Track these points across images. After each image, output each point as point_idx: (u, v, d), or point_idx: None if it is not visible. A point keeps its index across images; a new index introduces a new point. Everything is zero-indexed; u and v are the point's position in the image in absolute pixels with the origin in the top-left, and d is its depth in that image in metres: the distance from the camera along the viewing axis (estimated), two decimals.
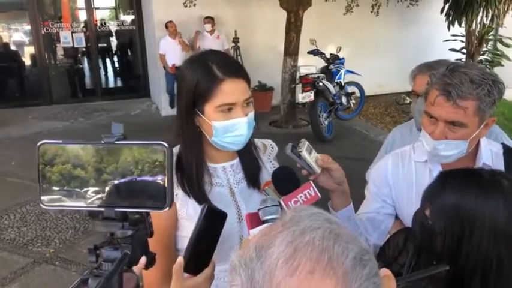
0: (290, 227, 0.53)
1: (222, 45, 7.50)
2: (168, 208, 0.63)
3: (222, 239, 1.01)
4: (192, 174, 1.23)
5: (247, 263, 0.51)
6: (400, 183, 1.44)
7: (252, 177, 1.31)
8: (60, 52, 9.36)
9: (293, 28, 6.88)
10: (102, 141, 0.64)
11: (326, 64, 7.28)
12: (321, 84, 6.57)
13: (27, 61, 9.17)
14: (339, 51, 7.43)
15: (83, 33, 8.94)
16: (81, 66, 9.74)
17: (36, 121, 7.69)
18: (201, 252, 0.98)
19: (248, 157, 1.32)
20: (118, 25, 9.99)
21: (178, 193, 1.22)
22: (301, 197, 1.07)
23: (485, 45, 8.36)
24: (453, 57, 7.17)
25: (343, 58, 7.45)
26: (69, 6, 9.45)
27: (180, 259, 0.95)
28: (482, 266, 0.94)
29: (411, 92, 1.88)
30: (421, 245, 1.04)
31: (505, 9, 7.62)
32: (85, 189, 0.65)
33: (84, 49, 9.35)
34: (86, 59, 9.70)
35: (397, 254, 1.19)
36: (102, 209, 0.64)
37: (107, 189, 0.64)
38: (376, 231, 1.44)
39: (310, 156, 1.15)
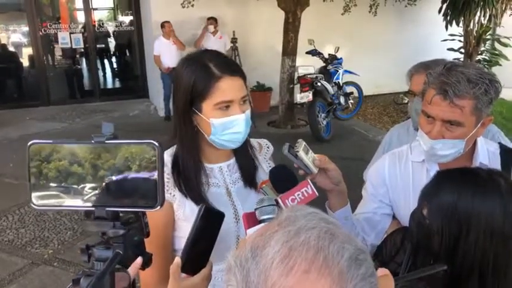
0: (286, 227, 0.53)
1: (224, 46, 7.48)
2: (159, 207, 0.63)
3: (219, 238, 1.00)
4: (189, 175, 1.23)
5: (242, 263, 0.51)
6: (397, 183, 1.44)
7: (248, 176, 1.31)
8: (58, 53, 9.35)
9: (291, 28, 6.89)
10: (93, 141, 0.64)
11: (324, 64, 7.30)
12: (319, 84, 6.58)
13: (25, 62, 9.16)
14: (337, 51, 7.44)
15: (81, 34, 8.93)
16: (79, 67, 9.74)
17: (34, 122, 7.68)
18: (199, 253, 0.97)
19: (244, 157, 1.32)
20: (116, 26, 9.99)
21: (176, 194, 1.23)
22: (298, 195, 1.08)
23: (483, 44, 8.37)
24: (451, 56, 7.18)
25: (341, 58, 7.46)
26: (67, 7, 9.45)
27: (178, 259, 0.95)
28: (479, 265, 0.94)
29: (408, 91, 1.88)
30: (418, 244, 1.04)
31: (503, 8, 7.64)
32: (82, 186, 0.65)
33: (82, 50, 9.34)
34: (84, 60, 9.69)
35: (394, 253, 1.19)
36: (93, 209, 0.64)
37: (102, 186, 0.64)
38: (374, 231, 1.44)
39: (307, 156, 1.15)
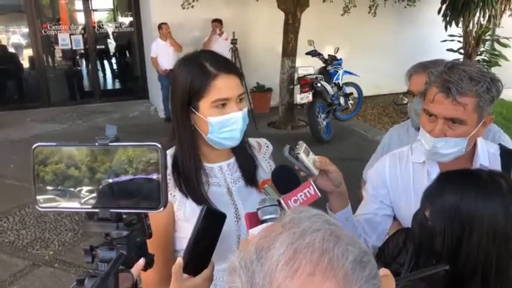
0: (290, 229, 0.53)
1: (229, 46, 7.45)
2: (162, 208, 0.64)
3: (220, 238, 1.01)
4: (190, 175, 1.24)
5: (247, 265, 0.51)
6: (398, 184, 1.44)
7: (249, 175, 1.32)
8: (58, 54, 9.35)
9: (291, 29, 6.89)
10: (96, 143, 0.65)
11: (324, 65, 7.30)
12: (319, 85, 6.58)
13: (25, 63, 9.16)
14: (337, 52, 7.44)
15: (81, 36, 8.93)
16: (79, 68, 9.74)
17: (34, 123, 7.68)
18: (200, 253, 0.98)
19: (244, 156, 1.33)
20: (116, 27, 10.00)
21: (176, 194, 1.23)
22: (301, 195, 1.08)
23: (482, 45, 8.37)
24: (451, 57, 7.17)
25: (341, 59, 7.47)
26: (67, 9, 9.45)
27: (180, 260, 0.96)
28: (482, 266, 0.94)
29: (407, 91, 1.89)
30: (420, 245, 1.04)
31: (502, 9, 7.64)
32: (79, 189, 0.65)
33: (82, 51, 9.34)
34: (84, 61, 9.70)
35: (396, 254, 1.20)
36: (97, 210, 0.65)
37: (100, 187, 0.65)
38: (375, 232, 1.44)
39: (308, 158, 1.16)
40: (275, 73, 7.38)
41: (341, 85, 7.34)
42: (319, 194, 1.09)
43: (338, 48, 7.47)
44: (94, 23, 9.42)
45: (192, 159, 1.25)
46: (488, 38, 8.67)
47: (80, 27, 9.10)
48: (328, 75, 7.11)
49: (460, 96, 1.19)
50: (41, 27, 8.54)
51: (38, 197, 0.65)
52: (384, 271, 0.56)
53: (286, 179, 1.12)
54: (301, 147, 1.15)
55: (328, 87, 6.77)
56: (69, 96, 9.32)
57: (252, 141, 1.40)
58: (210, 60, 1.20)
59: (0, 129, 7.17)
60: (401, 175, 1.44)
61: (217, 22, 7.52)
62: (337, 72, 7.33)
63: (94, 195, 0.64)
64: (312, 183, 1.11)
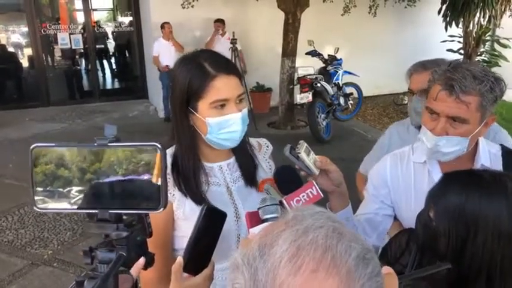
0: (293, 226, 0.53)
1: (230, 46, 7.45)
2: (162, 209, 0.63)
3: (220, 238, 1.00)
4: (189, 174, 1.23)
5: (250, 262, 0.51)
6: (399, 184, 1.43)
7: (248, 175, 1.31)
8: (58, 54, 9.35)
9: (291, 29, 6.89)
10: (95, 144, 0.64)
11: (324, 65, 7.30)
12: (319, 85, 6.58)
13: (24, 63, 9.16)
14: (337, 52, 7.44)
15: (80, 35, 8.93)
16: (79, 67, 9.73)
17: (34, 123, 7.68)
18: (201, 252, 0.97)
19: (244, 156, 1.33)
20: (116, 26, 9.99)
21: (175, 193, 1.23)
22: (303, 196, 1.07)
23: (482, 46, 8.38)
24: (450, 57, 7.15)
25: (341, 59, 7.47)
26: (67, 8, 9.44)
27: (180, 259, 0.95)
28: (487, 267, 0.94)
29: (407, 90, 1.89)
30: (424, 245, 1.04)
31: (502, 10, 7.65)
32: (76, 189, 0.65)
33: (82, 51, 9.34)
34: (83, 60, 9.70)
35: (399, 255, 1.19)
36: (96, 211, 0.64)
37: (98, 188, 0.64)
38: (375, 232, 1.44)
39: (309, 157, 1.15)
40: (275, 73, 7.38)
41: (341, 85, 7.34)
42: (322, 195, 1.09)
43: (338, 49, 7.47)
44: (94, 22, 9.41)
45: (191, 159, 1.24)
46: (488, 38, 8.69)
47: (80, 27, 9.10)
48: (328, 76, 7.11)
49: (463, 95, 1.19)
50: (41, 26, 8.54)
51: (36, 198, 0.65)
52: (387, 269, 0.56)
53: (289, 179, 1.12)
54: (302, 147, 1.14)
55: (328, 87, 6.77)
56: (68, 96, 9.32)
57: (252, 141, 1.40)
58: (209, 60, 1.19)
59: (0, 128, 7.16)
60: (402, 175, 1.43)
61: (220, 22, 7.52)
62: (337, 72, 7.33)
63: (92, 196, 0.64)
64: (315, 183, 1.10)
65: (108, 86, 10.71)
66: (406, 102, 7.45)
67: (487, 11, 7.37)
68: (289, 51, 7.00)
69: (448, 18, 7.71)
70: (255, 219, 0.99)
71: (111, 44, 10.49)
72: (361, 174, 2.18)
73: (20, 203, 4.52)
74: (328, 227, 0.52)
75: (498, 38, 8.81)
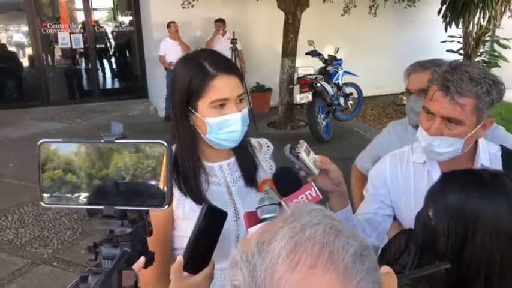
0: (291, 223, 0.53)
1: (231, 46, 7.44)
2: (167, 206, 0.64)
3: (219, 237, 1.01)
4: (189, 174, 1.23)
5: (248, 259, 0.51)
6: (399, 184, 1.44)
7: (249, 175, 1.31)
8: (58, 53, 9.35)
9: (291, 29, 6.89)
10: (102, 140, 0.64)
11: (324, 65, 7.30)
12: (318, 85, 6.58)
13: (25, 62, 9.15)
14: (337, 52, 7.45)
15: (81, 34, 8.93)
16: (79, 67, 9.73)
17: (34, 122, 7.68)
18: (201, 252, 0.98)
19: (244, 156, 1.33)
20: (116, 26, 10.00)
21: (175, 193, 1.23)
22: (302, 197, 1.07)
23: (482, 46, 8.38)
24: (450, 58, 7.15)
25: (340, 59, 7.47)
26: (67, 7, 9.45)
27: (180, 258, 0.96)
28: (486, 266, 0.94)
29: (405, 90, 1.90)
30: (423, 245, 1.04)
31: (502, 10, 7.65)
32: (84, 195, 0.65)
33: (82, 50, 9.34)
34: (83, 60, 9.69)
35: (398, 255, 1.19)
36: (101, 207, 0.65)
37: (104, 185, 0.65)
38: (374, 232, 1.44)
39: (308, 157, 1.15)
40: (275, 73, 7.39)
41: (341, 85, 7.34)
42: (321, 196, 1.09)
43: (338, 49, 7.47)
44: (94, 22, 9.41)
45: (191, 159, 1.24)
46: (488, 39, 8.69)
47: (80, 26, 9.10)
48: (328, 76, 7.11)
49: (459, 96, 1.19)
50: (41, 26, 8.54)
51: (43, 194, 0.65)
52: (386, 269, 0.56)
53: (287, 180, 1.12)
54: (302, 147, 1.15)
55: (327, 87, 6.77)
56: (68, 95, 9.32)
57: (253, 141, 1.40)
58: (209, 59, 1.19)
59: (0, 127, 7.17)
60: (402, 175, 1.44)
61: (221, 22, 7.52)
62: (337, 72, 7.34)
63: (98, 192, 0.65)
64: (314, 185, 1.10)
65: (108, 85, 10.70)
66: (405, 102, 7.46)
67: (487, 11, 7.37)
68: (289, 51, 7.00)
69: (448, 19, 7.71)
70: (253, 218, 0.99)
71: (111, 44, 10.49)
72: (357, 168, 2.21)
73: (19, 202, 4.53)
74: (326, 224, 0.53)
75: (498, 38, 8.82)
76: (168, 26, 7.33)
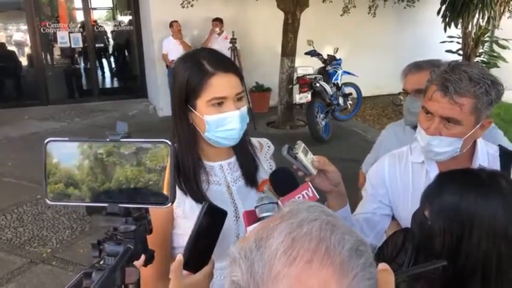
0: (288, 219, 0.54)
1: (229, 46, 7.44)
2: (170, 204, 0.65)
3: (219, 237, 1.01)
4: (189, 173, 1.24)
5: (247, 254, 0.52)
6: (397, 184, 1.44)
7: (249, 175, 1.32)
8: (57, 52, 9.35)
9: (290, 29, 6.90)
10: (108, 139, 0.65)
11: (323, 65, 7.31)
12: (318, 85, 6.59)
13: (24, 61, 9.15)
14: (336, 52, 7.46)
15: (80, 34, 8.93)
16: (78, 66, 9.73)
17: (33, 121, 7.67)
18: (201, 250, 0.98)
19: (244, 155, 1.33)
20: (115, 25, 10.00)
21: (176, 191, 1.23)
22: (299, 197, 1.08)
23: (481, 46, 8.40)
24: (449, 58, 7.18)
25: (340, 59, 7.48)
26: (66, 7, 9.44)
27: (180, 257, 0.96)
28: (482, 266, 0.94)
29: (402, 90, 1.91)
30: (419, 245, 1.04)
31: (501, 11, 7.66)
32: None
33: (81, 49, 9.33)
34: (83, 59, 9.68)
35: (395, 254, 1.19)
36: (105, 205, 0.66)
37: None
38: (373, 231, 1.44)
39: (306, 158, 1.16)
40: (274, 73, 7.39)
41: (340, 85, 7.35)
42: (318, 196, 1.09)
43: (337, 49, 7.48)
44: (93, 21, 9.41)
45: (190, 158, 1.25)
46: (487, 39, 8.70)
47: (79, 26, 9.09)
48: (327, 75, 7.12)
49: (458, 96, 1.20)
50: (40, 25, 8.54)
51: (49, 191, 0.66)
52: (383, 265, 0.57)
53: (284, 181, 1.12)
54: (300, 147, 1.15)
55: (327, 87, 6.78)
56: (67, 95, 9.31)
57: (254, 141, 1.40)
58: (208, 58, 1.20)
59: None
60: (400, 175, 1.44)
61: (218, 21, 7.52)
62: (337, 72, 7.34)
63: (109, 188, 0.66)
64: (310, 185, 1.10)
65: (108, 85, 10.70)
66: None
67: (486, 12, 7.38)
68: (288, 51, 7.01)
69: (447, 19, 7.72)
70: (252, 217, 1.00)
71: (110, 43, 10.48)
72: (363, 173, 2.20)
73: (18, 201, 4.53)
74: (322, 220, 0.53)
75: (497, 39, 8.83)
76: (171, 25, 7.35)
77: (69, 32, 8.79)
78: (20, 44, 9.22)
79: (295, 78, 7.05)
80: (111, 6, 11.32)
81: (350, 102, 7.50)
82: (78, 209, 4.25)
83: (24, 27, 8.76)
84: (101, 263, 0.64)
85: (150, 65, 8.48)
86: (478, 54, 8.30)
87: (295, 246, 0.51)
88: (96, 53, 9.45)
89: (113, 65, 10.88)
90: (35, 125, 7.40)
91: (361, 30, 8.64)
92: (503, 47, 8.68)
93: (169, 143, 0.65)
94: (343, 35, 8.39)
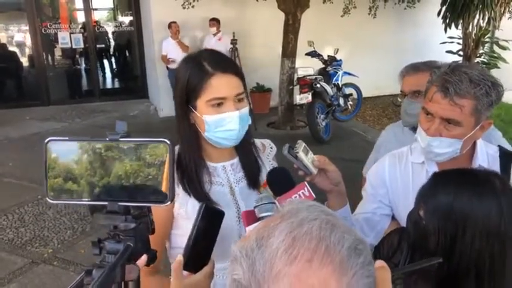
0: (288, 219, 0.55)
1: (224, 47, 7.42)
2: (169, 202, 0.65)
3: (222, 237, 1.01)
4: (192, 173, 1.24)
5: (248, 253, 0.53)
6: (397, 184, 1.45)
7: (252, 176, 1.32)
8: (58, 53, 9.37)
9: (291, 30, 6.90)
10: (107, 138, 0.66)
11: (324, 66, 7.31)
12: (318, 85, 6.59)
13: (25, 62, 9.17)
14: (337, 52, 7.46)
15: (81, 34, 8.95)
16: (79, 67, 9.75)
17: (34, 122, 7.69)
18: (200, 251, 0.99)
19: (247, 156, 1.34)
20: (116, 26, 10.01)
21: (179, 192, 1.24)
22: (295, 197, 1.08)
23: (481, 47, 8.40)
24: (450, 59, 7.20)
25: (340, 60, 7.48)
26: (67, 7, 9.46)
27: (180, 257, 0.96)
28: (475, 265, 0.95)
29: (400, 92, 1.92)
30: (414, 244, 1.05)
31: (502, 11, 7.67)
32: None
33: (82, 50, 9.35)
34: (84, 60, 9.71)
35: (391, 254, 1.20)
36: (105, 203, 0.67)
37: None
38: (373, 231, 1.45)
39: (307, 157, 1.16)
40: (275, 73, 7.40)
41: (340, 86, 7.35)
42: (314, 196, 1.09)
43: (338, 49, 7.48)
44: (94, 22, 9.42)
45: (192, 158, 1.25)
46: (487, 40, 8.71)
47: (80, 26, 9.11)
48: (327, 76, 7.12)
49: (458, 98, 1.20)
50: (41, 25, 8.56)
51: (48, 187, 0.67)
52: (380, 263, 0.58)
53: (280, 180, 1.12)
54: (301, 146, 1.16)
55: (327, 88, 6.78)
56: (68, 95, 9.33)
57: (257, 142, 1.40)
58: (208, 59, 1.21)
59: (0, 127, 7.17)
60: (400, 175, 1.45)
61: (215, 21, 7.53)
62: (337, 73, 7.35)
63: (109, 187, 0.66)
64: (307, 184, 1.11)
65: (109, 85, 10.72)
66: None
67: (486, 12, 7.39)
68: (289, 51, 7.02)
69: (447, 20, 7.73)
70: (251, 217, 1.00)
71: (111, 44, 10.50)
72: (364, 177, 2.20)
73: (20, 201, 4.54)
74: (322, 219, 0.54)
75: (497, 39, 8.84)
76: (169, 26, 7.37)
77: (70, 33, 8.81)
78: (21, 45, 9.24)
79: (295, 79, 7.05)
80: (112, 6, 11.33)
81: (350, 102, 7.51)
82: (79, 209, 4.26)
83: (26, 27, 8.77)
84: (101, 261, 0.65)
85: (151, 65, 8.49)
86: (478, 55, 8.30)
87: (295, 245, 0.52)
88: (97, 54, 9.46)
89: (114, 66, 10.90)
90: (36, 126, 7.41)
91: (361, 31, 8.64)
92: (504, 48, 8.69)
93: (168, 142, 0.65)
94: (344, 35, 8.40)
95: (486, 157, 1.36)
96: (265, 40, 8.09)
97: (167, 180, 0.65)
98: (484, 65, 8.39)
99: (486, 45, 8.92)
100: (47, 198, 0.67)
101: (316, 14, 7.58)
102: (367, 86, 8.17)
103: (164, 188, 0.65)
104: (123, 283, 0.64)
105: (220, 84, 1.18)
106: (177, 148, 1.28)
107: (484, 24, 7.69)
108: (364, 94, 7.99)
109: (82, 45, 9.07)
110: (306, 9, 6.86)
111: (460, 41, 8.14)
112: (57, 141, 0.67)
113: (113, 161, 0.65)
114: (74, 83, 9.57)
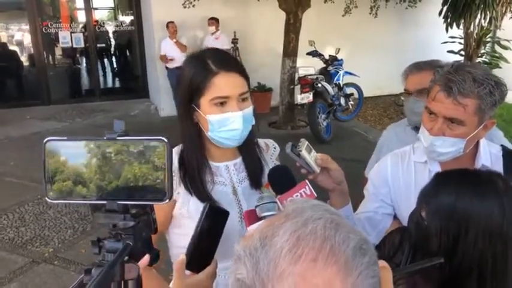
0: (293, 218, 0.54)
1: (221, 46, 7.45)
2: (168, 201, 0.65)
3: (224, 237, 1.01)
4: (194, 172, 1.24)
5: (252, 252, 0.52)
6: (399, 184, 1.44)
7: (254, 176, 1.31)
8: (58, 52, 9.38)
9: (292, 29, 6.90)
10: (105, 137, 0.65)
11: (325, 65, 7.31)
12: (319, 85, 6.59)
13: (25, 61, 9.18)
14: (338, 52, 7.45)
15: (81, 34, 8.96)
16: (79, 66, 9.76)
17: (34, 121, 7.69)
18: (203, 250, 0.98)
19: (250, 156, 1.33)
20: (117, 25, 10.00)
21: (180, 191, 1.23)
22: (297, 196, 1.08)
23: (483, 47, 8.39)
24: (451, 59, 7.18)
25: (341, 59, 7.48)
26: (68, 7, 9.46)
27: (182, 257, 0.96)
28: (478, 265, 0.95)
29: (404, 91, 1.91)
30: (416, 244, 1.05)
31: (503, 11, 7.66)
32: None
33: (83, 49, 9.35)
34: (84, 59, 9.71)
35: (392, 254, 1.20)
36: (104, 202, 0.66)
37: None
38: (375, 230, 1.44)
39: (310, 155, 1.16)
40: (276, 73, 7.39)
41: (342, 86, 7.35)
42: (315, 194, 1.09)
43: (339, 49, 7.48)
44: (95, 21, 9.42)
45: (194, 157, 1.25)
46: (489, 40, 8.70)
47: (81, 26, 9.12)
48: (328, 76, 7.12)
49: (461, 97, 1.19)
50: (42, 25, 8.57)
51: (55, 189, 0.66)
52: (382, 263, 0.58)
53: (282, 179, 1.12)
54: (304, 145, 1.15)
55: (328, 87, 6.78)
56: (69, 95, 9.33)
57: (260, 141, 1.40)
58: (212, 58, 1.20)
59: (0, 126, 7.17)
60: (403, 174, 1.44)
61: (213, 20, 7.54)
62: (338, 72, 7.34)
63: (108, 186, 0.66)
64: (308, 183, 1.10)
65: (109, 85, 10.71)
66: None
67: (488, 12, 7.37)
68: (290, 51, 7.01)
69: (448, 20, 7.71)
70: (253, 217, 1.00)
71: (112, 43, 10.49)
72: (366, 178, 2.19)
73: (20, 200, 4.54)
74: (326, 219, 0.54)
75: (499, 39, 8.83)
76: (167, 26, 7.36)
77: (71, 32, 8.82)
78: (21, 44, 9.24)
79: (296, 78, 7.05)
80: (113, 6, 11.33)
81: (351, 102, 7.50)
82: (79, 208, 4.26)
83: (26, 27, 8.78)
84: (101, 260, 0.65)
85: (152, 65, 8.49)
86: (479, 54, 8.29)
87: (300, 244, 0.51)
88: (97, 53, 9.47)
89: (115, 65, 10.90)
90: (36, 125, 7.41)
91: (362, 31, 8.64)
92: (505, 48, 8.68)
93: (165, 140, 0.65)
94: (345, 35, 8.39)
95: (489, 156, 1.36)
96: (266, 39, 8.09)
97: (166, 178, 0.64)
98: (486, 65, 8.38)
99: (488, 45, 8.91)
100: (47, 198, 0.66)
101: (317, 14, 7.58)
102: (368, 86, 8.17)
103: (163, 186, 0.65)
104: (122, 282, 0.64)
105: (224, 83, 1.17)
106: (179, 147, 1.27)
107: (486, 24, 7.68)
108: (365, 94, 7.99)
109: (82, 45, 9.08)
110: (307, 8, 6.85)
111: (462, 41, 8.13)
112: (56, 141, 0.66)
113: (123, 164, 0.65)
114: (75, 83, 9.59)
